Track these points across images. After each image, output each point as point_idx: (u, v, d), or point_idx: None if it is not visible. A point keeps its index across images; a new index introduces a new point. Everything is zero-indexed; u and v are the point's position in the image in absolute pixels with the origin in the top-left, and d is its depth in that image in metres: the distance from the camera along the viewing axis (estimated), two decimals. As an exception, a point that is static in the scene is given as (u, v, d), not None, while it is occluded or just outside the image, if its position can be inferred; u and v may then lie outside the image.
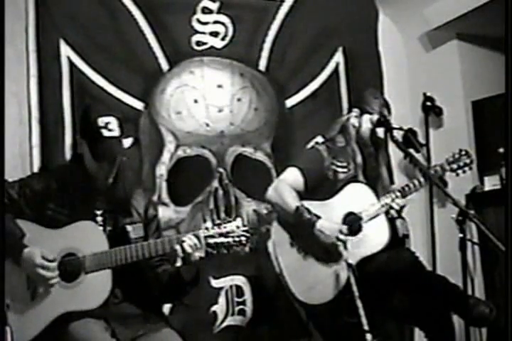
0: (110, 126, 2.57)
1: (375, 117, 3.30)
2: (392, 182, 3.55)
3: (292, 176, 3.28)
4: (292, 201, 3.18)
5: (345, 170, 3.33)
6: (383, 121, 3.28)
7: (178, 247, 2.50)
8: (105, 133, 2.56)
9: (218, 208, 3.77)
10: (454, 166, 3.30)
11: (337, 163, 3.33)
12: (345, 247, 3.02)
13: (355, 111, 3.39)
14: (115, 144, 2.58)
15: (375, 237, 3.18)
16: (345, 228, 3.11)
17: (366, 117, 3.34)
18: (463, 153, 3.33)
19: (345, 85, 4.26)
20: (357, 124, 3.37)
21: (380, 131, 3.29)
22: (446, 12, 4.22)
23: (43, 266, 2.45)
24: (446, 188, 3.25)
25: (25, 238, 2.49)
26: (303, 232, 3.16)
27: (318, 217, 3.12)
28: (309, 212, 3.13)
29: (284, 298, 3.31)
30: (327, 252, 3.14)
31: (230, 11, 3.95)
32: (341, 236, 3.07)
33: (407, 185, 3.24)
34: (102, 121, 2.57)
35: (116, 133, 2.57)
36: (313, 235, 3.10)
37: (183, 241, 2.50)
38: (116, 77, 3.63)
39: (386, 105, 3.41)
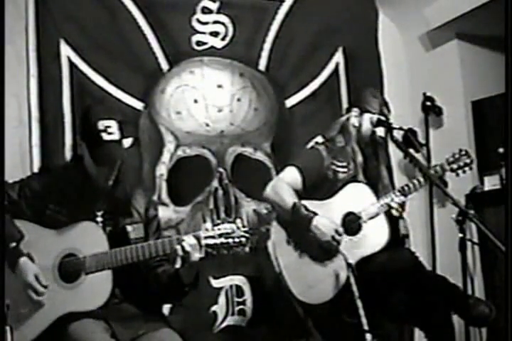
0: (110, 129, 2.54)
1: (375, 117, 3.30)
2: (392, 182, 3.54)
3: (290, 175, 3.29)
4: (289, 198, 3.18)
5: (345, 170, 3.33)
6: (383, 121, 3.28)
7: (178, 247, 2.49)
8: (105, 136, 2.53)
9: (218, 208, 3.77)
10: (454, 166, 3.30)
11: (337, 163, 3.33)
12: (338, 249, 3.05)
13: (355, 111, 3.39)
14: (115, 148, 2.55)
15: (374, 237, 3.19)
16: (341, 229, 3.12)
17: (367, 116, 3.34)
18: (463, 153, 3.33)
19: (345, 85, 4.25)
20: (357, 124, 3.37)
21: (380, 131, 3.29)
22: (446, 12, 4.22)
23: (31, 286, 2.43)
24: (446, 188, 3.25)
25: (26, 239, 2.48)
26: (300, 229, 3.16)
27: (315, 214, 3.12)
28: (306, 208, 3.14)
29: (284, 297, 3.31)
30: (322, 250, 3.14)
31: (230, 11, 3.95)
32: (337, 236, 3.08)
33: (406, 185, 3.25)
34: (102, 124, 2.54)
35: (116, 136, 2.55)
36: (310, 232, 3.11)
37: (183, 242, 2.49)
38: (116, 77, 3.63)
39: (386, 104, 3.41)
